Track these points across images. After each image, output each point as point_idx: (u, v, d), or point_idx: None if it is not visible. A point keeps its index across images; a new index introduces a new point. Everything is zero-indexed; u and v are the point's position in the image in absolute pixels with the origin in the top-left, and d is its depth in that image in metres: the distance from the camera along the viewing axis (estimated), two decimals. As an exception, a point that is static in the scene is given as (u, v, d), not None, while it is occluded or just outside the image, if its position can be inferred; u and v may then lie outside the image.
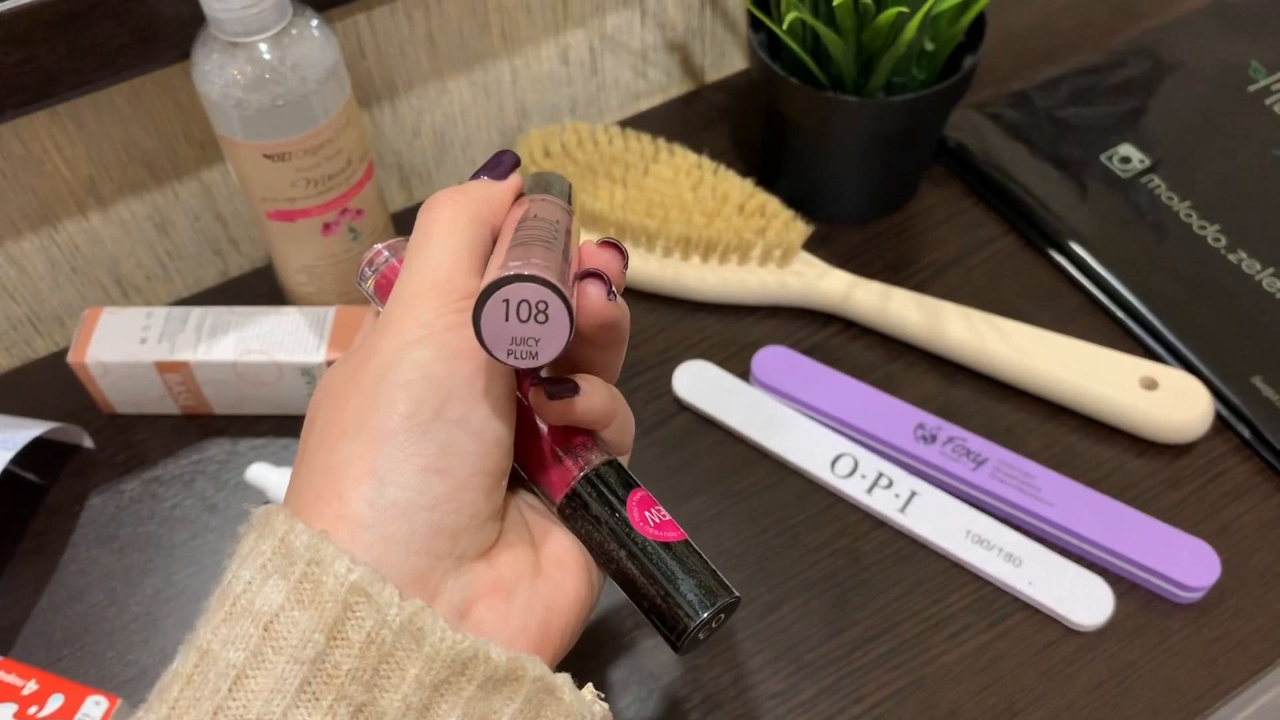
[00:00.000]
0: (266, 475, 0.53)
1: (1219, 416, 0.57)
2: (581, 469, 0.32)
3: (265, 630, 0.23)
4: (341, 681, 0.23)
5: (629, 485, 0.32)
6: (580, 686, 0.29)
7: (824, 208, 0.66)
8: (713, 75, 0.77)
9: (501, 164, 0.34)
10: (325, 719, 0.23)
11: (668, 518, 0.32)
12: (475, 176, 0.34)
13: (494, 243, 0.32)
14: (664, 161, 0.64)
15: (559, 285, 0.27)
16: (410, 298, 0.29)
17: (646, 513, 0.31)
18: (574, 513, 0.32)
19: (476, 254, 0.31)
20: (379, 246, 0.35)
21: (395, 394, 0.27)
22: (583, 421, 0.32)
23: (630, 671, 0.50)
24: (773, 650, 0.50)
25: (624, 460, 0.34)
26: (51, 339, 0.64)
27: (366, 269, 0.35)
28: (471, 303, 0.28)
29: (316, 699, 0.23)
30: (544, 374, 0.32)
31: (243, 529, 0.27)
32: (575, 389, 0.31)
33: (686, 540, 0.31)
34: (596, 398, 0.31)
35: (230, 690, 0.23)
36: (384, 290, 0.34)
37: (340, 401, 0.28)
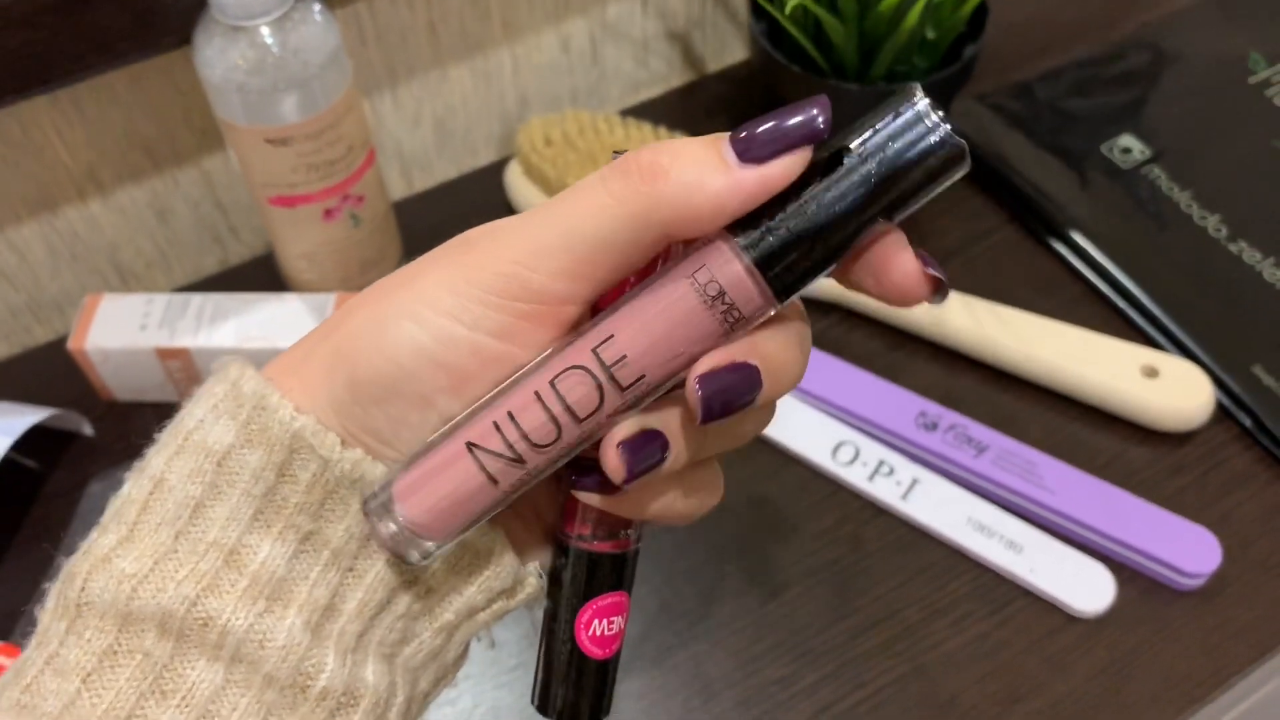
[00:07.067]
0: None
1: (1219, 405, 0.57)
2: (583, 539, 0.28)
3: (219, 465, 0.25)
4: (290, 512, 0.25)
5: (610, 587, 0.29)
6: None
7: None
8: (714, 65, 0.77)
9: (783, 136, 0.23)
10: (276, 542, 0.25)
11: (614, 632, 0.29)
12: (742, 134, 0.23)
13: (655, 260, 0.25)
14: (665, 150, 0.64)
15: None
16: (487, 252, 0.24)
17: (599, 621, 0.29)
18: (553, 555, 0.30)
19: (598, 260, 0.24)
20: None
21: (372, 356, 0.25)
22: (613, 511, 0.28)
23: (632, 657, 0.50)
24: (774, 637, 0.50)
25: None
26: (51, 326, 0.63)
27: None
28: (532, 308, 0.24)
29: (268, 526, 0.25)
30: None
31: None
32: (604, 485, 0.26)
33: (608, 660, 0.29)
34: (629, 505, 0.27)
35: (190, 518, 0.25)
36: None
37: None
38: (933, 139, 0.23)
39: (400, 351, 0.24)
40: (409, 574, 0.27)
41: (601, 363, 0.24)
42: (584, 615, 0.29)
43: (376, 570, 0.26)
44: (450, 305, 0.24)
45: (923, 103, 0.23)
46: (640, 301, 0.24)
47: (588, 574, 0.29)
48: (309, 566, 0.25)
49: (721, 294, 0.24)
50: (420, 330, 0.24)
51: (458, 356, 0.24)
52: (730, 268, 0.24)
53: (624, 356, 0.24)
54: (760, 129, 0.23)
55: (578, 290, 0.24)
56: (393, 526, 0.25)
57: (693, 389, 0.24)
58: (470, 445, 0.25)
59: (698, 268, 0.24)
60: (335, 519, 0.26)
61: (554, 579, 0.29)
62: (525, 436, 0.24)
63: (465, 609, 0.28)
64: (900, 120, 0.23)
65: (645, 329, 0.24)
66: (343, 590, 0.26)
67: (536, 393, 0.24)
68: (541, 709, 0.30)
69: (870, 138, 0.23)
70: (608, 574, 0.29)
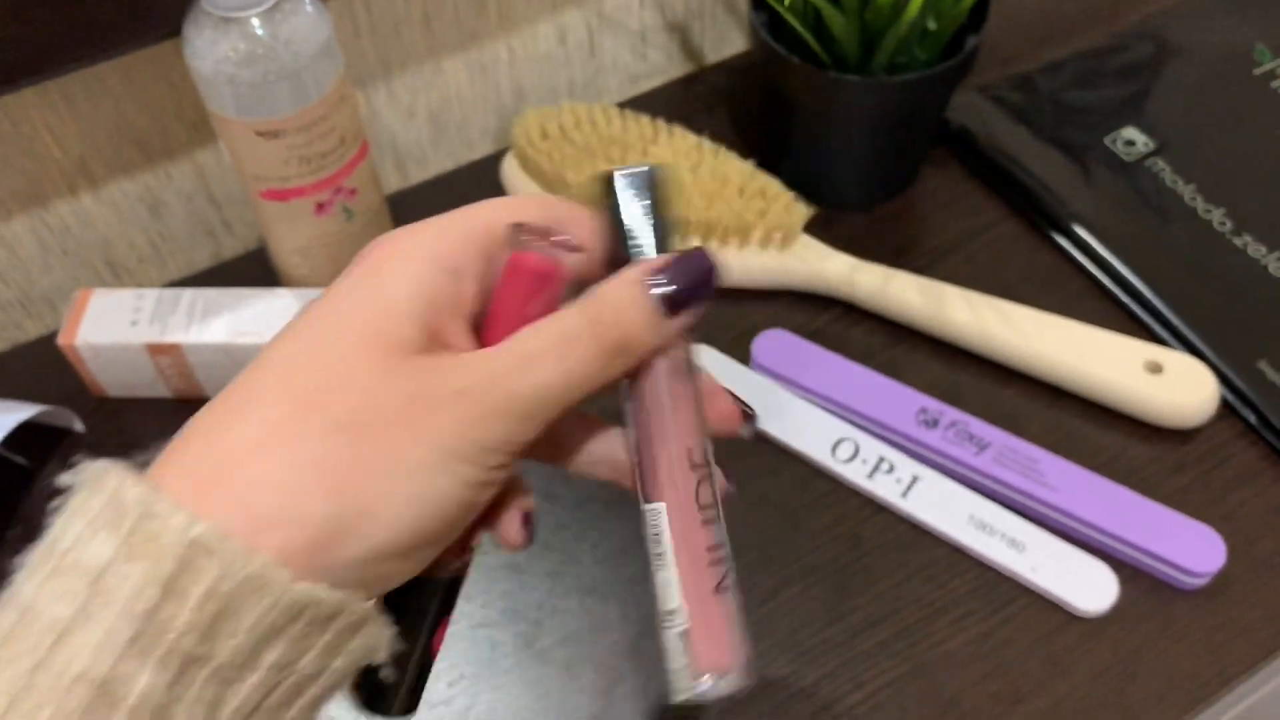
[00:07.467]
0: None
1: (1224, 401, 0.56)
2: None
3: (94, 584, 0.22)
4: (174, 636, 0.23)
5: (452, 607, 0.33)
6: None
7: (826, 191, 0.65)
8: (713, 57, 0.76)
9: (701, 291, 0.29)
10: (156, 672, 0.22)
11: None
12: (671, 295, 0.29)
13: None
14: (663, 143, 0.64)
15: None
16: (491, 399, 0.27)
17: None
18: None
19: (573, 404, 0.28)
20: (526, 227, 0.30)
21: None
22: None
23: (632, 657, 0.49)
24: (773, 636, 0.50)
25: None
26: (42, 321, 0.63)
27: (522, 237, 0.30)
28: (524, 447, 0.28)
29: (146, 652, 0.22)
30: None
31: (72, 485, 0.25)
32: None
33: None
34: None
35: (53, 646, 0.22)
36: (513, 273, 0.30)
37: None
38: (653, 177, 0.30)
39: (444, 506, 0.26)
40: (288, 672, 0.25)
41: (698, 463, 0.31)
42: (445, 622, 0.33)
43: (260, 676, 0.24)
44: (470, 453, 0.26)
45: (642, 174, 0.30)
46: (676, 415, 0.30)
47: (450, 590, 0.33)
48: (188, 686, 0.23)
49: (690, 363, 0.31)
50: (453, 482, 0.26)
51: (485, 496, 0.28)
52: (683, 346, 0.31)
53: (702, 447, 0.31)
54: (685, 293, 0.29)
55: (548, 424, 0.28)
56: (706, 683, 0.30)
57: (735, 411, 0.32)
58: (716, 588, 0.31)
59: (676, 364, 0.30)
60: (226, 635, 0.23)
61: (421, 604, 0.32)
62: (719, 545, 0.32)
63: (331, 684, 0.27)
64: (640, 192, 0.30)
65: (694, 425, 0.31)
66: (220, 702, 0.24)
67: (702, 520, 0.31)
68: (408, 712, 0.33)
69: (640, 214, 0.30)
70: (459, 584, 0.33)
